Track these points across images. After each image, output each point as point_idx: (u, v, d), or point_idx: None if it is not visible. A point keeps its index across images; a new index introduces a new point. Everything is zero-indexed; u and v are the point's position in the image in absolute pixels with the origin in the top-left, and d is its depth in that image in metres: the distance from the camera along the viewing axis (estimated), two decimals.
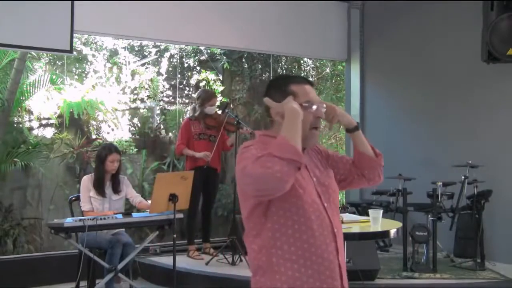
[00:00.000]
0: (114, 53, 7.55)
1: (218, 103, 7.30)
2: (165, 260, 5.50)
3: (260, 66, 8.00)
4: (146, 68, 7.81)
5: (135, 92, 7.68)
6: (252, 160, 1.80)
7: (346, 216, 3.55)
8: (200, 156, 5.57)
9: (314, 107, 1.98)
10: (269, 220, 1.93)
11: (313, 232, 1.92)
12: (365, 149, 2.14)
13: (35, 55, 6.91)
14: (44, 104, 6.93)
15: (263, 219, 1.94)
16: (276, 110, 1.97)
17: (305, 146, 1.97)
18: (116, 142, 7.08)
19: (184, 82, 8.02)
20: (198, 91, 6.14)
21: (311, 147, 2.09)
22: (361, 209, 6.18)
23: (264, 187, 1.80)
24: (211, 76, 7.90)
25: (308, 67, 8.58)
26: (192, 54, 7.96)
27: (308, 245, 1.91)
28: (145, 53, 7.85)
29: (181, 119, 7.43)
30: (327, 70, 8.73)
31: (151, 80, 7.72)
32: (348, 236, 3.05)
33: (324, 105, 2.02)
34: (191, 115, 5.80)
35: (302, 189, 1.93)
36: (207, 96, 5.78)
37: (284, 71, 8.32)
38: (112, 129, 7.49)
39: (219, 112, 6.01)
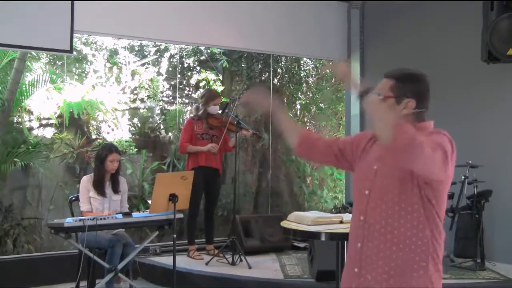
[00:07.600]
0: (114, 53, 7.56)
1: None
2: (165, 260, 5.50)
3: (259, 66, 8.00)
4: (146, 68, 7.81)
5: (135, 92, 7.68)
6: None
7: (346, 216, 3.54)
8: (208, 149, 5.56)
9: None
10: None
11: None
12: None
13: (35, 55, 6.91)
14: (44, 104, 6.93)
15: None
16: None
17: None
18: (116, 142, 7.08)
19: (184, 82, 8.02)
20: (202, 90, 6.12)
21: None
22: None
23: None
24: (211, 76, 7.90)
25: (308, 67, 8.58)
26: (192, 54, 7.96)
27: None
28: (145, 53, 7.85)
29: (181, 119, 7.44)
30: (327, 70, 8.72)
31: (151, 80, 7.72)
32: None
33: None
34: (193, 114, 5.79)
35: None
36: (212, 95, 5.77)
37: (284, 71, 8.32)
38: (112, 129, 7.49)
39: (219, 112, 6.01)
